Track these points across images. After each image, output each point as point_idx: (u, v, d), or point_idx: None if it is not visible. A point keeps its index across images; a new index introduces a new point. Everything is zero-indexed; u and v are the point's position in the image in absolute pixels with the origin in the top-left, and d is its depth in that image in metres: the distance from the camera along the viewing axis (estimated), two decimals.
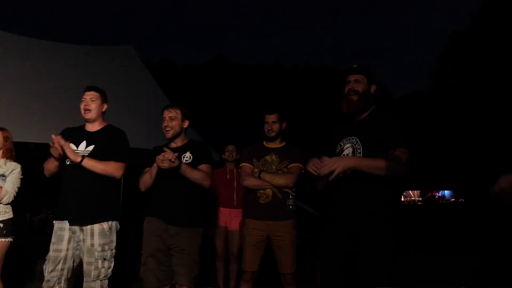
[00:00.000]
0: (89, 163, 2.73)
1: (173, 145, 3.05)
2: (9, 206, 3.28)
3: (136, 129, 5.20)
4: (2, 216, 3.23)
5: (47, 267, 2.76)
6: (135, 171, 3.06)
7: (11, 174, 3.29)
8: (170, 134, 3.02)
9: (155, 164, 2.81)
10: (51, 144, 2.70)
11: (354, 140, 2.37)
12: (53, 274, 2.74)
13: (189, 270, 2.86)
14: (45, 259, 2.80)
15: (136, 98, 6.80)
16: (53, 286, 2.75)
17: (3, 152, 3.35)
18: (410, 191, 33.56)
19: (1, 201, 3.21)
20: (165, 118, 3.03)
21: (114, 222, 2.86)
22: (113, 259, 2.84)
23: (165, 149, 2.80)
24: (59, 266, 2.75)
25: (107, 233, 2.80)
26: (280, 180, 3.15)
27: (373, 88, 2.44)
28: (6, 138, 3.36)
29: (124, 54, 8.31)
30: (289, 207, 3.14)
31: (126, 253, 3.40)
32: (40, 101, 5.62)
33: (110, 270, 2.82)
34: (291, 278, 3.13)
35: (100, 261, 2.77)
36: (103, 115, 2.97)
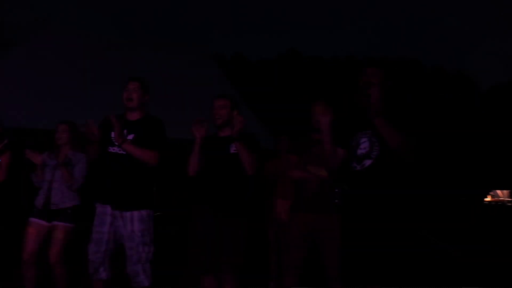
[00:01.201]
0: (130, 147, 2.92)
1: (221, 134, 3.12)
2: (76, 193, 3.57)
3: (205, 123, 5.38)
4: (70, 202, 3.55)
5: (91, 249, 2.99)
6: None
7: (79, 164, 3.58)
8: (219, 122, 3.10)
9: (197, 143, 2.97)
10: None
11: (370, 133, 2.36)
12: (98, 255, 2.96)
13: (235, 259, 2.91)
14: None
15: (207, 94, 7.03)
16: (98, 267, 2.97)
17: (71, 143, 3.67)
18: (498, 191, 30.78)
19: (69, 188, 3.53)
20: (215, 107, 3.13)
21: (151, 211, 3.04)
22: (152, 244, 3.00)
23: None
24: (103, 248, 2.96)
25: (146, 219, 2.97)
26: (327, 173, 3.09)
27: (388, 83, 2.43)
28: (73, 130, 3.66)
29: (195, 50, 8.63)
30: (335, 200, 3.06)
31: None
32: (114, 97, 6.04)
33: (150, 254, 2.98)
34: (337, 274, 3.06)
35: (141, 246, 2.94)
36: (144, 105, 3.12)
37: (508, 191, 30.81)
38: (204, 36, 45.03)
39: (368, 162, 2.31)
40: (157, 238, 3.14)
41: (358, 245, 2.33)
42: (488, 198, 20.43)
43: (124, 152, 2.98)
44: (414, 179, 2.30)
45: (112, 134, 2.99)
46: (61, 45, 7.33)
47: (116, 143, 2.97)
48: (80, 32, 8.31)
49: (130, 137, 3.00)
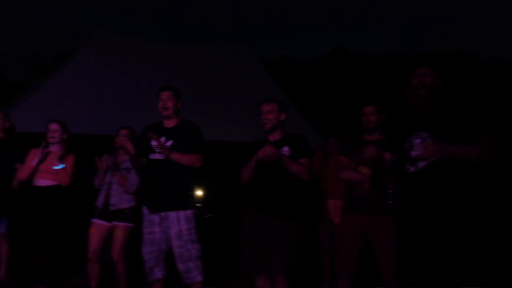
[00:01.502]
0: (176, 156, 3.08)
1: (271, 138, 3.14)
2: (133, 195, 3.75)
3: (251, 125, 5.46)
4: (128, 203, 3.73)
5: (144, 249, 3.13)
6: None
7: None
8: (267, 126, 3.12)
9: (255, 157, 2.94)
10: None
11: (424, 135, 2.29)
12: (151, 255, 3.10)
13: (286, 260, 2.91)
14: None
15: (255, 97, 7.12)
16: (154, 266, 3.10)
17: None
18: None
19: (126, 191, 3.71)
20: (262, 111, 3.15)
21: (195, 210, 3.19)
22: (198, 242, 3.14)
23: (265, 144, 2.91)
24: (155, 248, 3.10)
25: (191, 218, 3.11)
26: (374, 173, 3.02)
27: (441, 82, 2.34)
28: (127, 136, 3.84)
29: (240, 52, 8.73)
30: (389, 201, 2.98)
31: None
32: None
33: (199, 251, 3.12)
34: (392, 277, 2.98)
35: (189, 243, 3.07)
36: (178, 111, 3.28)
37: None
38: (249, 38, 45.37)
39: (422, 164, 2.26)
40: (208, 238, 3.26)
41: (413, 246, 2.27)
42: None
43: (162, 158, 3.14)
44: (472, 180, 2.21)
45: (153, 142, 3.18)
46: (114, 54, 7.71)
47: (157, 151, 3.15)
48: (130, 40, 8.72)
49: (169, 143, 3.16)
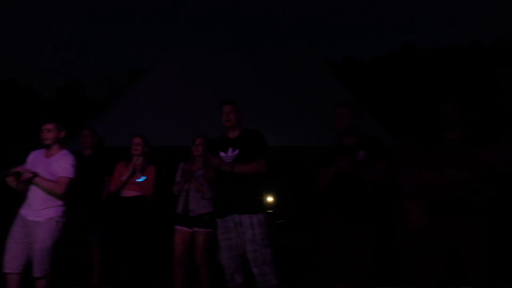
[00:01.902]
0: (240, 168, 3.20)
1: (346, 142, 3.10)
2: (210, 201, 3.87)
3: (319, 129, 5.44)
4: (205, 209, 3.87)
5: (223, 256, 3.23)
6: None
7: None
8: (342, 130, 3.11)
9: (332, 170, 2.95)
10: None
11: None
12: (230, 261, 3.19)
13: (364, 265, 2.86)
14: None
15: (321, 99, 7.07)
16: (234, 272, 3.18)
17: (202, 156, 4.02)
18: None
19: (204, 197, 3.86)
20: (336, 115, 3.14)
21: (266, 215, 3.25)
22: (272, 247, 3.19)
23: (339, 156, 2.90)
24: (233, 253, 3.19)
25: (263, 223, 3.17)
26: (462, 173, 2.84)
27: None
28: (202, 144, 4.01)
29: (304, 55, 8.70)
30: (480, 204, 2.76)
31: None
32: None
33: (272, 255, 3.17)
34: (484, 283, 2.76)
35: (263, 247, 3.13)
36: (240, 121, 3.42)
37: None
38: (311, 41, 45.05)
39: None
40: (279, 243, 3.29)
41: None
42: None
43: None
44: None
45: (221, 153, 3.33)
46: (188, 66, 8.07)
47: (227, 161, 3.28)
48: (200, 51, 9.08)
49: (236, 152, 3.29)
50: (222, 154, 3.35)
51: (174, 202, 4.02)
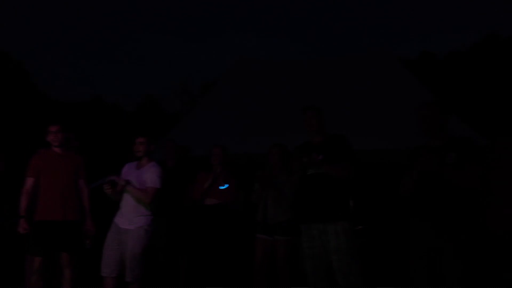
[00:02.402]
0: (328, 169, 3.13)
1: (433, 144, 2.93)
2: (287, 208, 3.88)
3: (402, 130, 5.21)
4: (284, 216, 3.87)
5: (306, 264, 3.16)
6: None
7: (288, 182, 3.87)
8: (428, 131, 2.95)
9: (415, 169, 2.79)
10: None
11: None
12: (314, 270, 3.12)
13: (461, 273, 2.69)
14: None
15: (400, 99, 6.80)
16: (319, 281, 3.10)
17: (281, 163, 4.01)
18: None
19: (282, 204, 3.85)
20: (421, 116, 2.98)
21: (352, 223, 3.14)
22: (358, 256, 3.05)
23: (423, 153, 2.74)
24: (317, 262, 3.11)
25: (349, 231, 3.05)
26: None
27: None
28: (278, 152, 4.00)
29: (381, 56, 8.44)
30: None
31: None
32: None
33: (358, 265, 3.04)
34: None
35: (349, 257, 3.01)
36: (323, 126, 3.35)
37: None
38: (381, 40, 43.54)
39: None
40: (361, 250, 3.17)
41: None
42: None
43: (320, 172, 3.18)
44: None
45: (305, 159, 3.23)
46: (260, 75, 8.20)
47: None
48: (271, 60, 9.18)
49: (320, 158, 3.20)
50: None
51: (254, 210, 4.06)
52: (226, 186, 4.08)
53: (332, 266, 3.10)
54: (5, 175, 5.02)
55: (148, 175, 3.68)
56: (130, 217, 3.63)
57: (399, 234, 3.44)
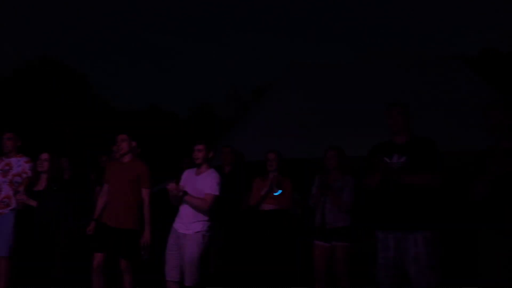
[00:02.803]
0: (408, 180, 2.89)
1: (505, 145, 2.74)
2: (348, 214, 3.80)
3: (465, 132, 4.95)
4: (343, 222, 3.78)
5: (380, 274, 3.00)
6: None
7: (347, 186, 3.84)
8: (498, 132, 2.77)
9: (491, 172, 2.62)
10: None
11: None
12: (387, 280, 2.96)
13: None
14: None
15: (461, 100, 6.47)
16: None
17: (340, 168, 3.93)
18: None
19: (339, 210, 3.75)
20: (489, 117, 2.80)
21: (436, 232, 2.88)
22: (440, 268, 2.82)
23: (496, 155, 2.56)
24: (391, 272, 2.94)
25: (431, 241, 2.82)
26: None
27: None
28: (341, 156, 3.92)
29: (438, 55, 8.10)
30: None
31: None
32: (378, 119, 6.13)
33: (438, 278, 2.81)
34: None
35: (428, 269, 2.80)
36: (408, 126, 3.09)
37: None
38: (439, 39, 41.59)
39: None
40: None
41: None
42: None
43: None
44: None
45: (385, 159, 3.05)
46: (311, 79, 8.13)
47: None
48: (323, 63, 9.07)
49: (402, 159, 2.99)
50: (386, 160, 3.07)
51: (311, 215, 4.00)
52: (279, 192, 4.04)
53: (409, 277, 2.90)
54: (72, 182, 5.35)
55: (207, 182, 3.72)
56: (188, 222, 3.69)
57: (468, 243, 3.21)
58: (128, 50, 43.59)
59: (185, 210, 3.75)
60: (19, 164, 4.54)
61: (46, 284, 4.04)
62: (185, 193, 3.70)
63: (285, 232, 4.10)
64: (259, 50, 46.47)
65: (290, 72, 8.87)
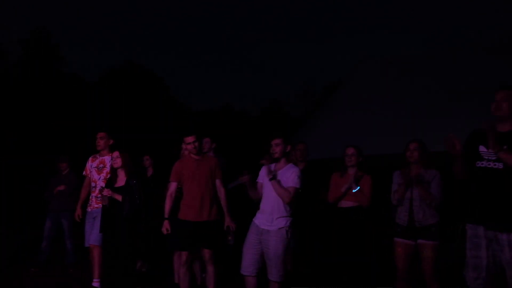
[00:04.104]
0: (505, 156, 2.63)
1: (501, 128, 2.68)
2: (436, 210, 3.61)
3: None
4: (432, 219, 3.59)
5: (469, 275, 2.80)
6: None
7: (434, 180, 3.63)
8: (498, 115, 2.67)
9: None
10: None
11: None
12: (478, 282, 2.75)
13: None
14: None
15: None
16: None
17: (422, 161, 3.73)
18: None
19: (429, 206, 3.58)
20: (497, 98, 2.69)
21: None
22: None
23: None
24: (482, 274, 2.73)
25: None
26: None
27: None
28: (418, 149, 3.72)
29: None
30: None
31: None
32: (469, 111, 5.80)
33: None
34: None
35: None
36: None
37: None
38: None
39: None
40: None
41: None
42: None
43: (497, 166, 2.73)
44: None
45: (480, 148, 2.82)
46: (384, 75, 7.88)
47: (486, 157, 2.79)
48: (398, 55, 8.70)
49: (504, 148, 2.71)
50: (482, 149, 2.82)
51: (390, 212, 3.88)
52: (358, 188, 3.96)
53: (506, 281, 2.68)
54: (154, 179, 5.71)
55: (287, 176, 3.71)
56: (271, 218, 3.70)
57: None
58: (202, 51, 45.14)
59: (266, 206, 3.75)
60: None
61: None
62: (274, 176, 3.71)
63: (364, 230, 3.98)
64: (330, 46, 45.62)
65: (362, 66, 8.67)
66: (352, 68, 9.07)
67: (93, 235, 4.73)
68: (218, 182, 4.21)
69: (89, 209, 4.91)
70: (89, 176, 5.05)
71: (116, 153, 4.53)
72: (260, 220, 3.78)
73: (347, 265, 3.98)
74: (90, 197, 4.96)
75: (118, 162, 4.50)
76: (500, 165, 2.70)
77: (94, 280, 4.74)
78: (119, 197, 4.40)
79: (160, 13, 46.41)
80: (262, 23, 50.35)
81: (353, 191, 3.97)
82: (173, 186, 4.25)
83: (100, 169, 4.97)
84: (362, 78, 8.29)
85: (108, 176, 4.76)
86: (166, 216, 4.18)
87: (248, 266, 3.72)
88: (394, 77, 7.61)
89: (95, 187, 4.91)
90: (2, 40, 20.74)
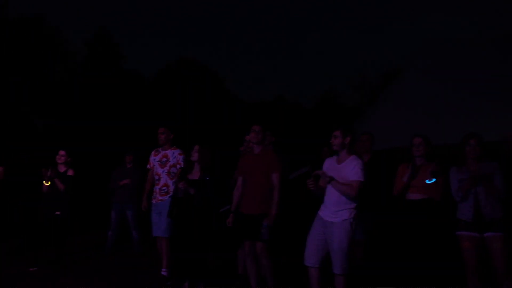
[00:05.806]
0: None
1: None
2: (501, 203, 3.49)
3: None
4: (500, 212, 3.49)
5: None
6: None
7: (495, 173, 3.54)
8: None
9: None
10: None
11: None
12: None
13: None
14: None
15: None
16: None
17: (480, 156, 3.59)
18: None
19: (499, 197, 3.47)
20: None
21: None
22: None
23: None
24: None
25: None
26: None
27: None
28: (481, 142, 3.59)
29: None
30: None
31: None
32: None
33: None
34: None
35: None
36: None
37: None
38: None
39: None
40: None
41: None
42: None
43: None
44: None
45: None
46: (446, 60, 7.46)
47: None
48: (461, 40, 8.18)
49: None
50: None
51: (454, 207, 3.69)
52: (433, 180, 3.74)
53: None
54: (219, 175, 5.84)
55: (350, 169, 3.65)
56: (334, 210, 3.67)
57: None
58: (255, 44, 45.22)
59: (330, 199, 3.73)
60: (174, 156, 5.13)
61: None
62: (332, 178, 3.67)
63: (434, 225, 3.78)
64: (387, 34, 43.89)
65: (422, 51, 8.26)
66: (411, 55, 8.66)
67: (161, 227, 4.94)
68: (274, 176, 4.20)
69: (154, 201, 5.12)
70: (153, 169, 5.25)
71: (196, 147, 4.67)
72: (324, 212, 3.77)
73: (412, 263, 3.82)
74: (154, 189, 5.17)
75: (195, 156, 4.63)
76: None
77: (163, 269, 4.95)
78: (192, 191, 4.55)
79: (208, 7, 46.96)
80: (315, 11, 49.51)
81: (427, 182, 3.76)
82: (238, 181, 4.39)
83: (163, 162, 5.16)
84: (423, 63, 7.90)
85: (173, 169, 5.01)
86: (232, 209, 4.33)
87: (310, 256, 3.73)
88: (455, 63, 7.16)
89: (158, 180, 5.12)
90: (70, 42, 22.18)
